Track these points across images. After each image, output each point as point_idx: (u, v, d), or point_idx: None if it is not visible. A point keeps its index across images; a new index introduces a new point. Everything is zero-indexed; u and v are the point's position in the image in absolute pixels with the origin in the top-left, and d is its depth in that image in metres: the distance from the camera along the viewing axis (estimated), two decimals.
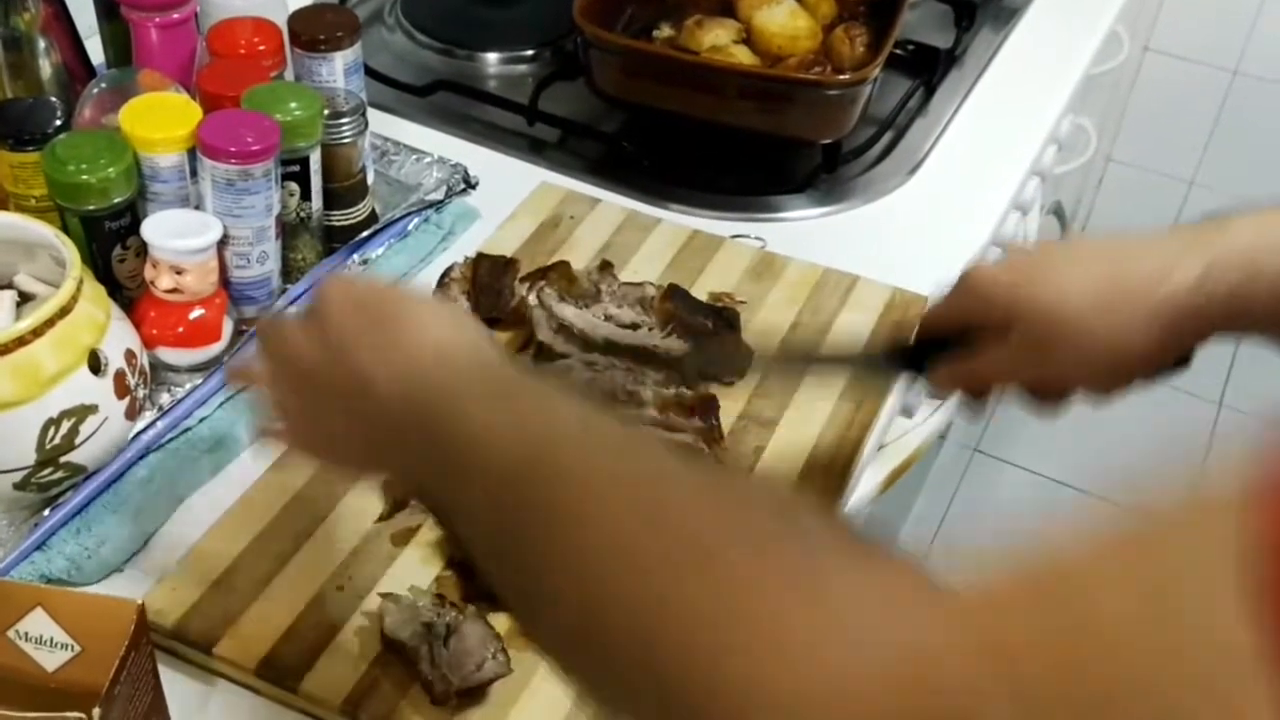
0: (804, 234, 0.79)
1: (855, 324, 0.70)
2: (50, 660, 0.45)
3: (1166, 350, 0.50)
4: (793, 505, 0.32)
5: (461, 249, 0.74)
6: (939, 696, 0.23)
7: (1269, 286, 0.46)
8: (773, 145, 0.85)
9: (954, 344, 0.54)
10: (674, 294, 0.68)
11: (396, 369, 0.38)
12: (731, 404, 0.64)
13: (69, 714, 0.40)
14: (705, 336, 0.66)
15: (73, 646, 0.45)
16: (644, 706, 0.29)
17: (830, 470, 0.62)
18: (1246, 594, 0.20)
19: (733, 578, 0.28)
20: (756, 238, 0.77)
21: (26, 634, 0.45)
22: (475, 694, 0.50)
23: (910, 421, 0.86)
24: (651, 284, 0.69)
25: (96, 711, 0.41)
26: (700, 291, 0.71)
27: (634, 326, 0.66)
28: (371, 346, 0.39)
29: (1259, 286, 0.46)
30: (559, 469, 0.33)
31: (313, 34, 0.71)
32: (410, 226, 0.74)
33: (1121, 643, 0.21)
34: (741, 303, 0.71)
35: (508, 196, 0.78)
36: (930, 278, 0.75)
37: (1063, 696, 0.21)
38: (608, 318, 0.67)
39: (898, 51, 0.89)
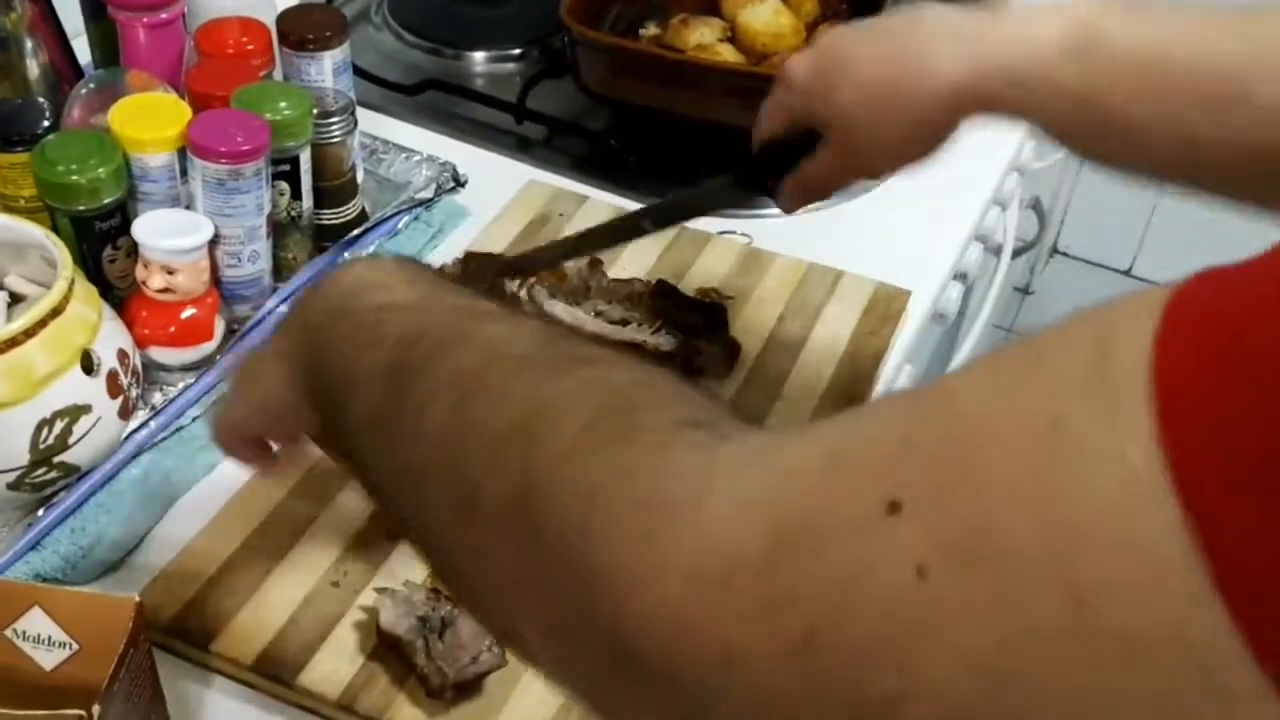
0: (789, 230, 0.79)
1: (840, 316, 0.71)
2: (49, 659, 0.46)
3: (941, 138, 0.52)
4: (649, 379, 0.31)
5: (451, 247, 0.74)
6: (820, 537, 0.22)
7: (1026, 94, 0.47)
8: None
9: (792, 150, 0.55)
10: (661, 290, 0.69)
11: (323, 293, 0.40)
12: None
13: (68, 711, 0.41)
14: (693, 332, 0.67)
15: (71, 645, 0.45)
16: (531, 602, 0.28)
17: None
18: (1148, 415, 0.18)
19: (600, 449, 0.27)
20: (743, 234, 0.78)
21: (24, 633, 0.45)
22: (471, 686, 0.51)
23: None
24: (640, 280, 0.70)
25: (96, 709, 0.41)
26: (688, 287, 0.71)
27: (623, 323, 0.67)
28: (312, 287, 0.42)
29: (1016, 93, 0.47)
30: (436, 349, 0.33)
31: (301, 33, 0.71)
32: (400, 225, 0.75)
33: (1015, 488, 0.20)
34: (729, 298, 0.72)
35: (496, 194, 0.78)
36: (913, 271, 0.76)
37: (962, 548, 0.20)
38: (597, 314, 0.67)
39: None
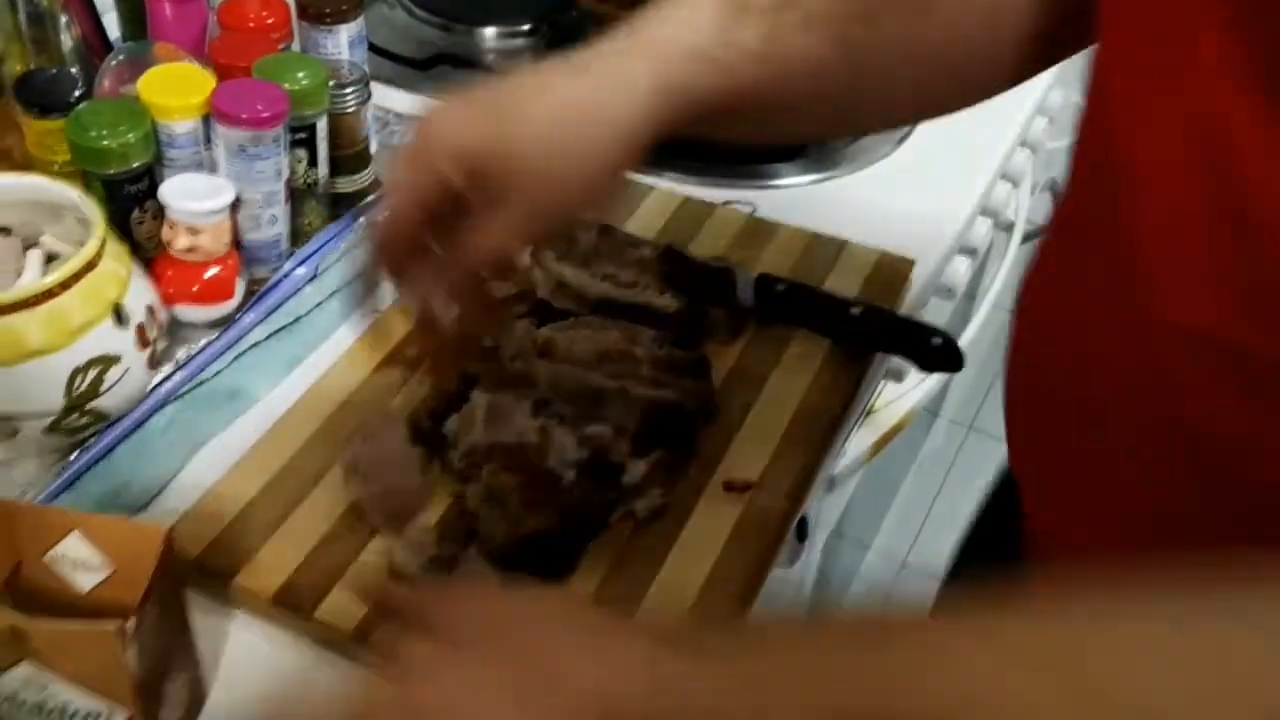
0: (794, 200, 0.81)
1: (844, 284, 0.73)
2: (85, 581, 0.48)
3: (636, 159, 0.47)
4: None
5: None
6: None
7: (710, 65, 0.45)
8: None
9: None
10: (669, 255, 0.71)
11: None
12: (721, 363, 0.67)
13: (105, 622, 0.44)
14: (701, 297, 0.69)
15: (106, 568, 0.48)
16: None
17: (815, 430, 0.64)
18: None
19: None
20: (747, 204, 0.80)
21: (63, 557, 0.48)
22: None
23: (899, 387, 0.89)
24: (648, 244, 0.72)
25: (131, 622, 0.44)
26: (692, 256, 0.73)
27: (634, 285, 0.69)
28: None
29: (701, 67, 0.45)
30: None
31: (318, 7, 0.74)
32: None
33: None
34: (734, 265, 0.73)
35: None
36: (917, 243, 0.78)
37: None
38: (608, 276, 0.70)
39: None
